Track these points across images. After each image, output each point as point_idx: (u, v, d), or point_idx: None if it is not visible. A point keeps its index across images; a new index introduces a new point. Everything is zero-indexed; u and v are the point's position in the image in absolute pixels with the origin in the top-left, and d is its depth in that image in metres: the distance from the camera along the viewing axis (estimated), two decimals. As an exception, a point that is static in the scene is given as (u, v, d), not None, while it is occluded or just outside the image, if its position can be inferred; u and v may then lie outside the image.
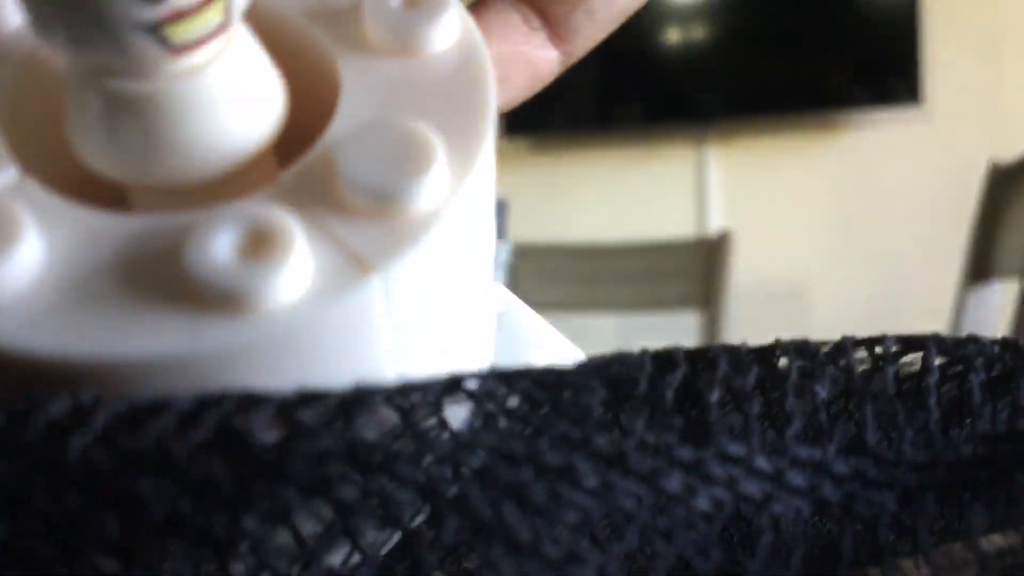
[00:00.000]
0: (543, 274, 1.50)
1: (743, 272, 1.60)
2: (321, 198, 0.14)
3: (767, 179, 1.80)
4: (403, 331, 0.14)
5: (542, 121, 1.82)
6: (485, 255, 0.17)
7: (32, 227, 0.13)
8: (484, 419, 0.11)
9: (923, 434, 0.14)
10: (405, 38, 0.16)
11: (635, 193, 1.84)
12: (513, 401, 0.12)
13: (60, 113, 0.15)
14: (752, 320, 1.69)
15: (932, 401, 0.15)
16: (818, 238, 1.77)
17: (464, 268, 0.15)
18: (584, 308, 1.48)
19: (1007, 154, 1.14)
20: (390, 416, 0.12)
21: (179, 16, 0.12)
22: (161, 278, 0.13)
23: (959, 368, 0.16)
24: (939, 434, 0.14)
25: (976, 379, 0.15)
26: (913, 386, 0.15)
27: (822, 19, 1.74)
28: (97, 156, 0.15)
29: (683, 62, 1.82)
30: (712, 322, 1.41)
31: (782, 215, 1.78)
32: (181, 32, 0.13)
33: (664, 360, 0.14)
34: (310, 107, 0.17)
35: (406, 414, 0.11)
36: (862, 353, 0.16)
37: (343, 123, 0.15)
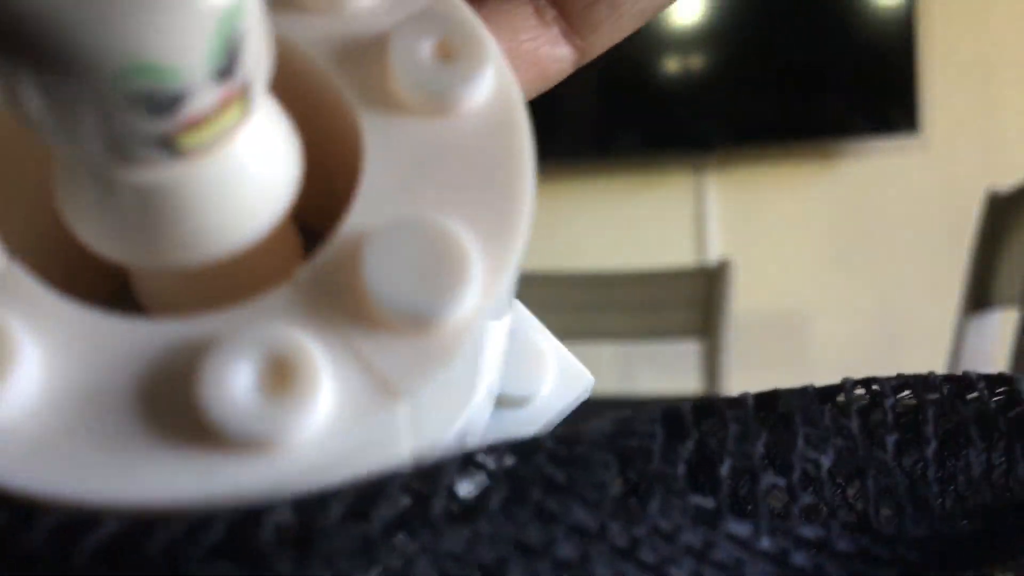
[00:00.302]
0: (541, 302, 1.50)
1: (743, 300, 1.60)
2: (344, 308, 0.13)
3: (766, 207, 1.81)
4: (424, 431, 0.13)
5: (541, 149, 1.78)
6: (506, 325, 0.15)
7: (27, 341, 0.12)
8: (501, 504, 0.12)
9: (923, 508, 0.14)
10: (436, 96, 0.14)
11: (634, 222, 1.84)
12: (528, 482, 0.12)
13: (41, 171, 0.14)
14: (752, 348, 1.69)
15: (931, 474, 0.15)
16: (817, 266, 1.77)
17: (490, 355, 0.15)
18: (583, 337, 1.47)
19: (1005, 181, 1.14)
20: (406, 503, 0.11)
21: (193, 125, 0.11)
22: (173, 412, 0.12)
23: (957, 434, 0.16)
24: (939, 508, 0.14)
25: (975, 454, 0.15)
26: (913, 456, 0.15)
27: (820, 49, 1.75)
28: (94, 238, 0.13)
29: (682, 91, 1.83)
30: (712, 350, 1.41)
31: (781, 243, 1.79)
32: (195, 139, 0.11)
33: (674, 425, 0.14)
34: (327, 158, 0.15)
35: (422, 504, 0.11)
36: (860, 391, 0.16)
37: (367, 206, 0.13)
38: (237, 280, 0.15)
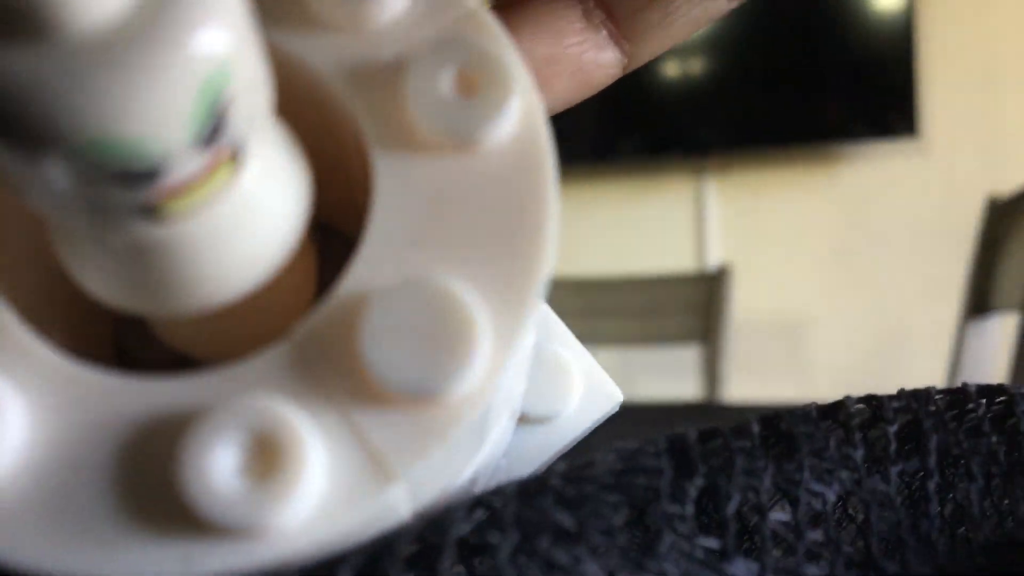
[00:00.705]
0: (544, 307, 1.49)
1: (743, 305, 1.60)
2: (340, 376, 0.12)
3: (766, 212, 1.81)
4: (425, 495, 0.13)
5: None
6: (529, 343, 0.14)
7: (14, 400, 0.11)
8: (510, 556, 0.12)
9: (926, 545, 0.14)
10: (455, 134, 0.13)
11: (634, 227, 1.84)
12: (536, 529, 0.12)
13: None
14: (752, 353, 1.69)
15: (933, 509, 0.15)
16: (817, 271, 1.77)
17: (509, 385, 0.14)
18: (584, 342, 1.47)
19: (1004, 186, 1.14)
20: (412, 551, 0.11)
21: (175, 193, 0.10)
22: (154, 492, 0.11)
23: (958, 466, 0.16)
24: (942, 545, 0.14)
25: (975, 488, 0.15)
26: (915, 489, 0.15)
27: (820, 53, 1.76)
28: (90, 286, 0.12)
29: (682, 95, 1.83)
30: (712, 356, 1.41)
31: (781, 248, 1.79)
32: (179, 206, 0.10)
33: (682, 460, 0.14)
34: (346, 167, 0.15)
35: (430, 561, 0.11)
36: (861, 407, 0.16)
37: (372, 260, 0.13)
38: (253, 311, 0.14)
